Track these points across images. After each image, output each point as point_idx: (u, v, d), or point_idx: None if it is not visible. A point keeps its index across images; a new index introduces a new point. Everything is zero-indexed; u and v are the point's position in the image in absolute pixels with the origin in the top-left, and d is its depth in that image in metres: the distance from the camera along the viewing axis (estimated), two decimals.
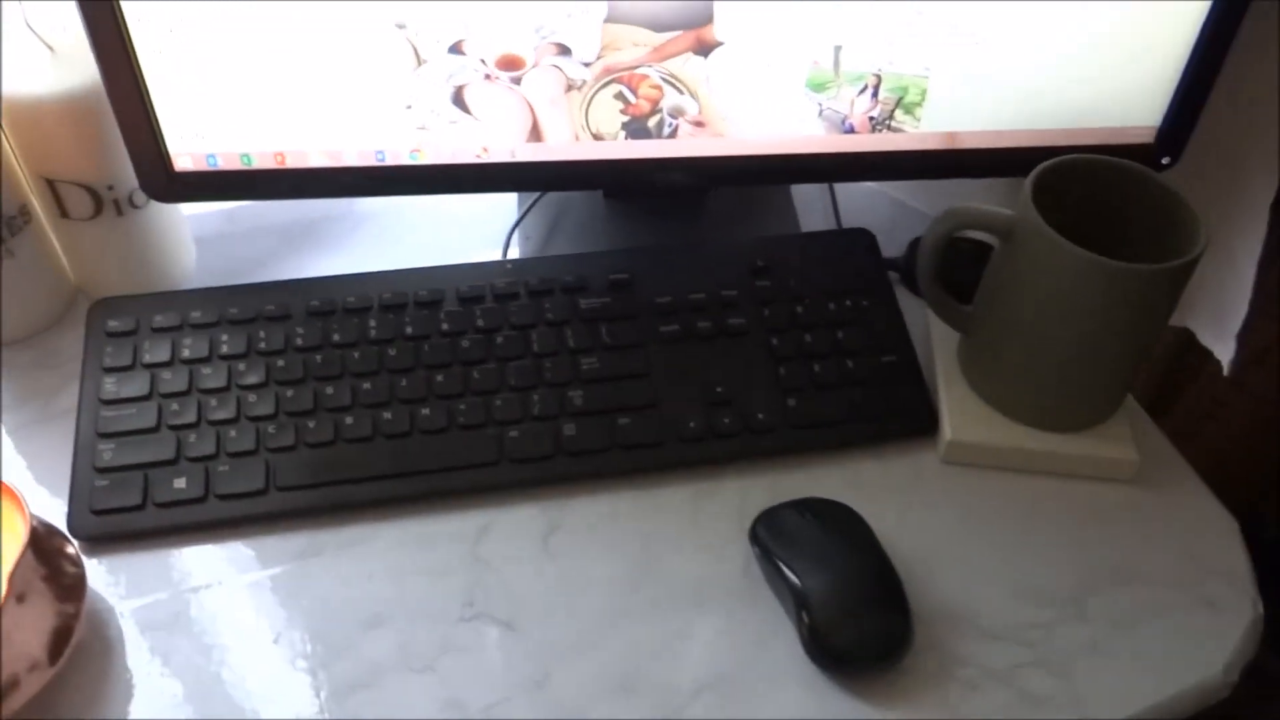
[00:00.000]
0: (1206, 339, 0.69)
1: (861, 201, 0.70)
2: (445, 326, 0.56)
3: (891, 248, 0.63)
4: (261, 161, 0.55)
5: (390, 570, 0.50)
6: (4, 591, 0.41)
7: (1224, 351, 0.65)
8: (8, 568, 0.42)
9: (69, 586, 0.45)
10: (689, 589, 0.50)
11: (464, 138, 0.55)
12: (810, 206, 0.69)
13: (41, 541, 0.44)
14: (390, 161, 0.55)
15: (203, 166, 0.54)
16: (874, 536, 0.50)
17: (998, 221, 0.51)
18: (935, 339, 0.58)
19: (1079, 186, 0.52)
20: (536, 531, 0.52)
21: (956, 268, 0.58)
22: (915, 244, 0.62)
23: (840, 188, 0.70)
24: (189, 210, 0.65)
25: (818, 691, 0.46)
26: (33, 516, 0.44)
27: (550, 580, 0.50)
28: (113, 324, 0.56)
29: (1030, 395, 0.54)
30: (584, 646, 0.48)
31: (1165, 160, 0.58)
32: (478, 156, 0.56)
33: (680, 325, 0.57)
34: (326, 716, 0.45)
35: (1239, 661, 0.48)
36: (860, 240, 0.62)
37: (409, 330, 0.56)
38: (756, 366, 0.56)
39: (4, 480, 0.45)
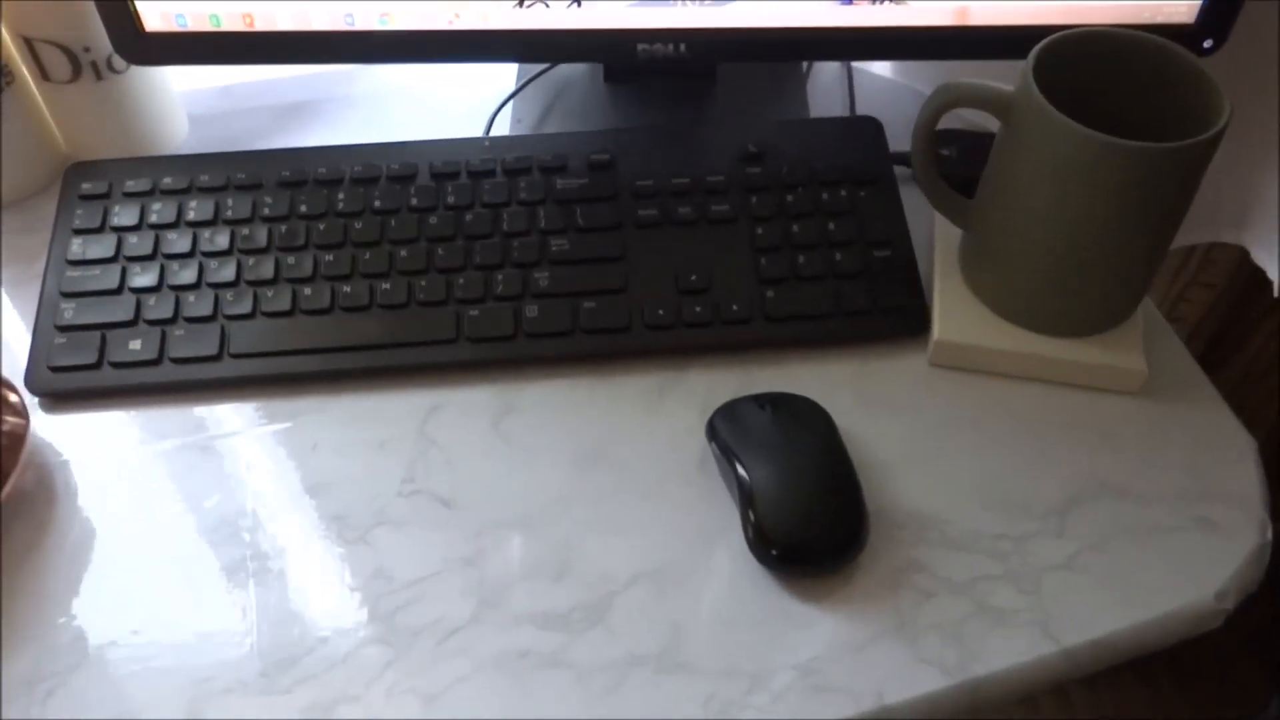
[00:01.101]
0: (1261, 257, 0.63)
1: (880, 94, 0.65)
2: (414, 202, 0.54)
3: (906, 141, 0.58)
4: (230, 23, 0.53)
5: (336, 443, 0.49)
6: None
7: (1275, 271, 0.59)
8: None
9: (8, 433, 0.45)
10: (640, 480, 0.47)
11: (435, 4, 0.52)
12: (827, 96, 0.65)
13: None
14: (359, 26, 0.53)
15: (172, 26, 0.53)
16: (836, 433, 0.46)
17: (996, 98, 0.46)
18: (938, 236, 0.54)
19: (1089, 64, 0.46)
20: (489, 413, 0.50)
21: (970, 163, 0.53)
22: None
23: (860, 78, 0.65)
24: (185, 86, 0.64)
25: (760, 590, 0.44)
26: None
27: (497, 462, 0.48)
28: (85, 186, 0.55)
29: (1029, 295, 0.49)
30: (521, 529, 0.46)
31: (1208, 44, 0.52)
32: (450, 23, 0.53)
33: (659, 210, 0.54)
34: (252, 581, 0.44)
35: (1237, 589, 0.44)
36: (866, 128, 0.58)
37: (377, 204, 0.54)
38: (737, 256, 0.53)
39: None
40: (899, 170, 0.56)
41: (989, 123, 0.51)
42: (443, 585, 0.44)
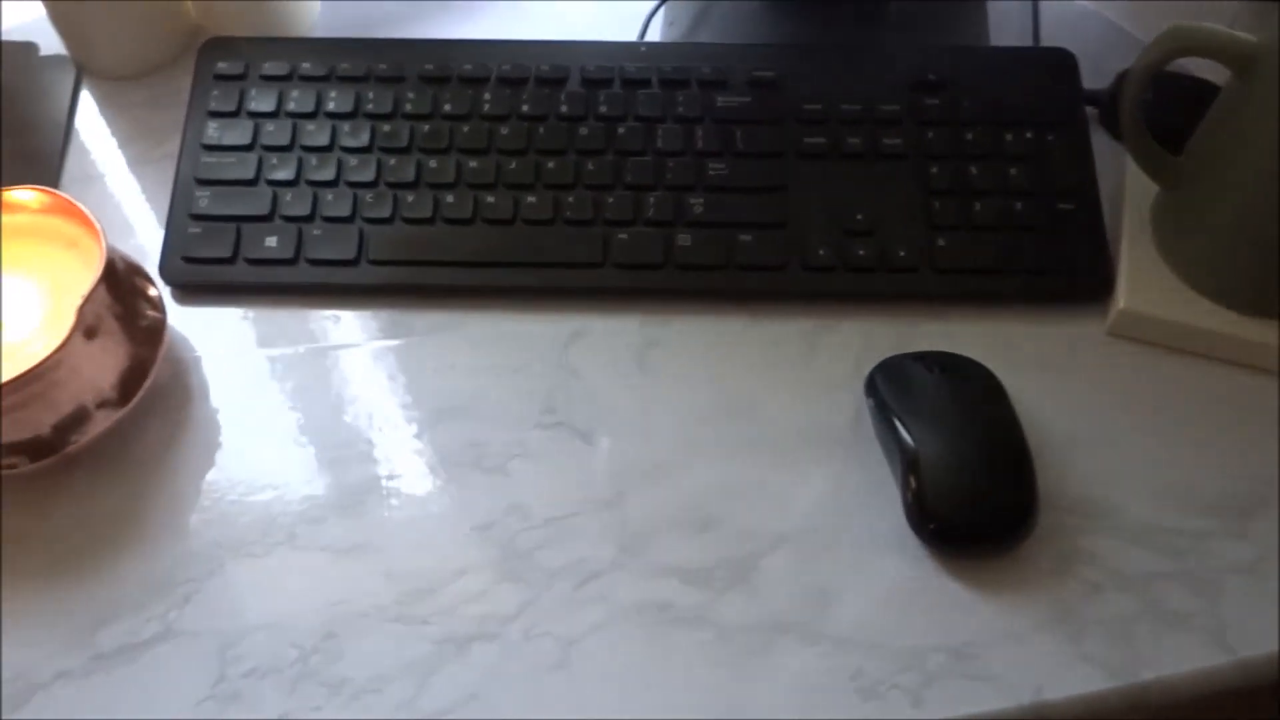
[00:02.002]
0: None
1: (1069, 21, 0.59)
2: (564, 109, 0.51)
3: (1095, 78, 0.53)
4: None
5: (472, 363, 0.47)
6: (72, 322, 0.40)
7: None
8: (79, 301, 0.40)
9: (145, 329, 0.43)
10: (788, 431, 0.45)
11: None
12: (1007, 22, 0.59)
13: (120, 279, 0.43)
14: None
15: None
16: (1009, 404, 0.43)
17: (1236, 49, 0.41)
18: (1129, 192, 0.49)
19: None
20: (632, 345, 0.47)
21: (1168, 110, 0.48)
22: (1123, 76, 0.52)
23: (1046, 4, 0.59)
24: None
25: (914, 564, 0.41)
26: (112, 250, 0.42)
27: (640, 398, 0.46)
28: (221, 66, 0.52)
29: (1236, 269, 0.45)
30: (663, 473, 0.44)
31: None
32: None
33: (827, 139, 0.50)
34: (386, 503, 0.43)
35: None
36: (1057, 62, 0.52)
37: (525, 109, 0.51)
38: (907, 196, 0.49)
39: (85, 211, 0.43)
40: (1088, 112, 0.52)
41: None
42: (582, 526, 0.43)
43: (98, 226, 0.42)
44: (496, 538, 0.42)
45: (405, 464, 0.44)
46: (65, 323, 0.41)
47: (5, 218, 0.44)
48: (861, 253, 0.48)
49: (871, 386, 0.44)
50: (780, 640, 0.40)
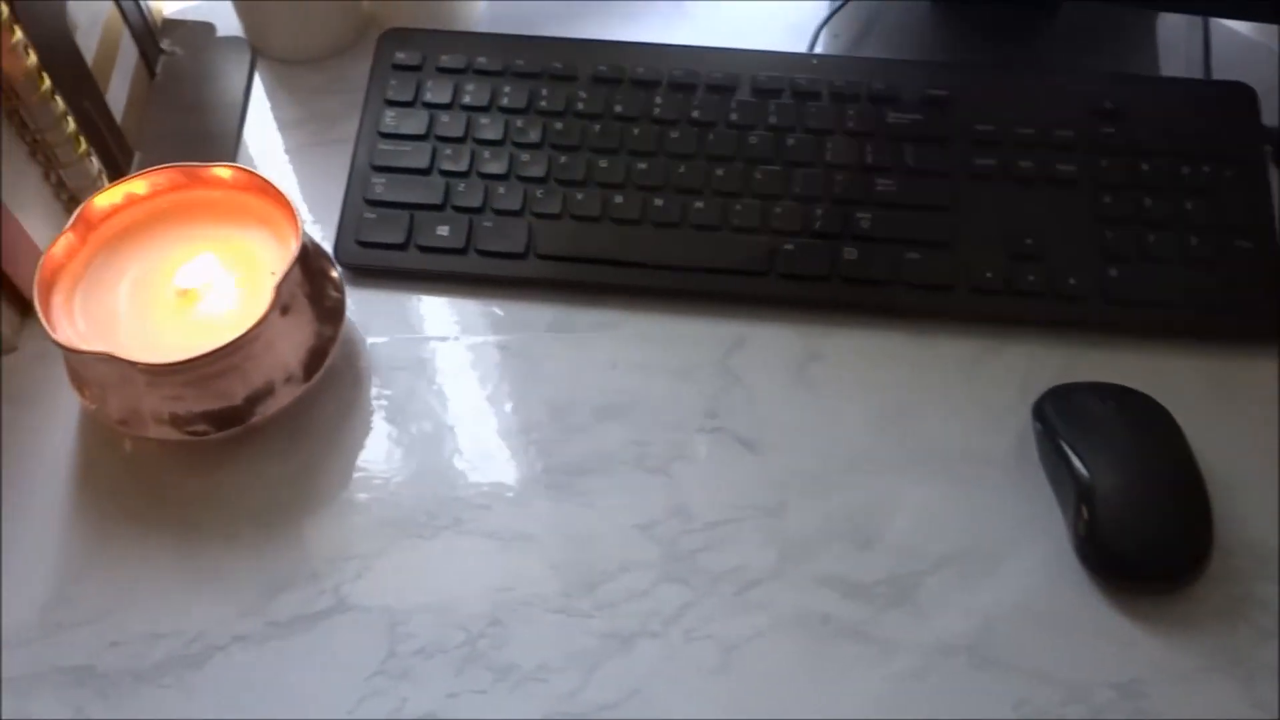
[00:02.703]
0: None
1: (1239, 52, 0.58)
2: (734, 117, 0.51)
3: (1269, 114, 0.52)
4: None
5: (635, 363, 0.47)
6: (271, 299, 0.41)
7: None
8: (277, 278, 0.41)
9: (329, 309, 0.45)
10: (950, 451, 0.45)
11: None
12: (1174, 49, 0.58)
13: (309, 259, 0.44)
14: None
15: None
16: (1185, 441, 0.42)
17: None
18: None
19: None
20: (794, 355, 0.47)
21: None
22: None
23: (1217, 34, 0.58)
24: None
25: (1080, 595, 0.41)
26: (304, 233, 0.44)
27: (801, 410, 0.46)
28: (400, 56, 0.54)
29: None
30: (826, 486, 0.44)
31: None
32: None
33: (998, 160, 0.50)
34: (549, 495, 0.44)
35: None
36: (1236, 96, 0.51)
37: (695, 114, 0.51)
38: (1079, 224, 0.48)
39: (280, 190, 0.44)
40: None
41: None
42: (744, 532, 0.43)
43: (293, 205, 0.43)
44: (658, 538, 0.43)
45: (567, 458, 0.45)
46: (258, 298, 0.42)
47: (202, 193, 0.45)
48: (1030, 278, 0.47)
49: (1040, 412, 0.44)
50: (942, 661, 0.40)
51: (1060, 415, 0.43)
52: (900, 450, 0.45)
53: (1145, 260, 0.48)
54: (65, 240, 0.43)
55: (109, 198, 0.44)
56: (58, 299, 0.43)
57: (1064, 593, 0.41)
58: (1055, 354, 0.47)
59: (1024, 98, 0.51)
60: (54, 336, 0.41)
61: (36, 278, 0.42)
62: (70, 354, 0.41)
